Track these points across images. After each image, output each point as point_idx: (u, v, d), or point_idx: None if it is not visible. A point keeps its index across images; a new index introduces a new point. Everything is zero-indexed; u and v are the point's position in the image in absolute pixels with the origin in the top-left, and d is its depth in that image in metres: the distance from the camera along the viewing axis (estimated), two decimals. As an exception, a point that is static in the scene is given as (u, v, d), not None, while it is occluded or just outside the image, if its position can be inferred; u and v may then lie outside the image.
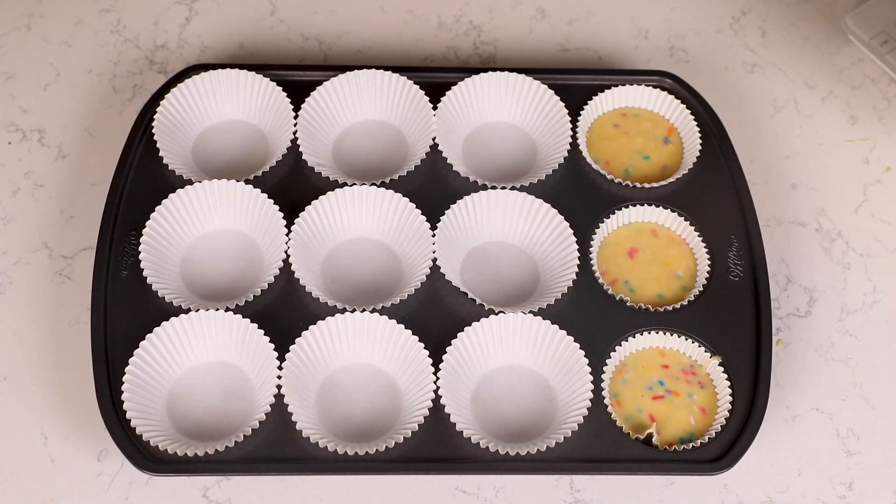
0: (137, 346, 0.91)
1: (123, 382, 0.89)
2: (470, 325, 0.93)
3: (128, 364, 0.90)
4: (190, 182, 0.99)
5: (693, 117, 1.05)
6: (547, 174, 1.01)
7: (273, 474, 0.90)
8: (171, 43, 1.15)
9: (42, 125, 1.09)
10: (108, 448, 0.92)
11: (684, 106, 1.06)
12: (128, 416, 0.88)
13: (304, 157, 1.01)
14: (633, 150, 1.06)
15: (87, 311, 0.95)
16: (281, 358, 0.91)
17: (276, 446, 0.89)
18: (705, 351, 0.95)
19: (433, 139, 1.02)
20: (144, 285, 0.95)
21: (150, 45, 1.14)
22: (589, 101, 1.06)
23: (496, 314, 0.93)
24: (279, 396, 0.90)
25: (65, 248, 1.02)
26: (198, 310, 0.93)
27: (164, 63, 1.13)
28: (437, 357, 0.91)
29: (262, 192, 0.98)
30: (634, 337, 0.95)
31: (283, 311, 0.95)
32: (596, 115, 1.07)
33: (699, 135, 1.04)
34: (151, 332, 0.91)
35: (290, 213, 0.98)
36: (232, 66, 1.06)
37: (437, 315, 0.95)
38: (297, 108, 1.03)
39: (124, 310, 0.94)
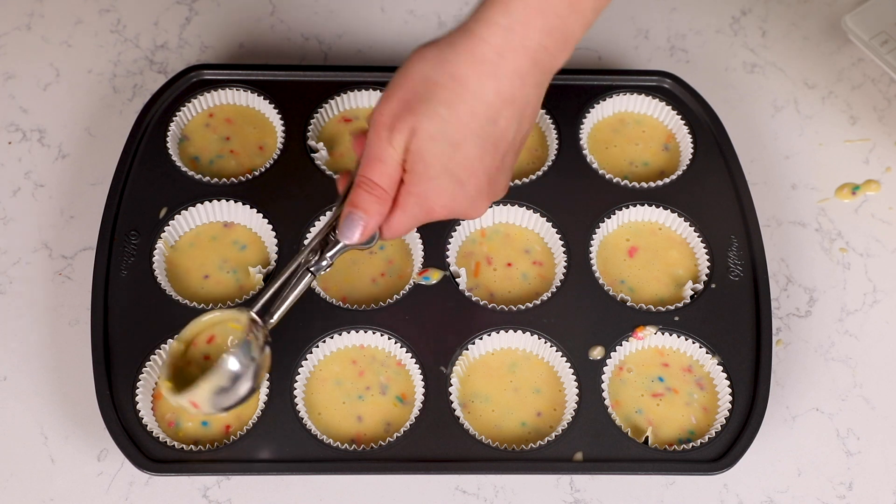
0: (137, 346, 0.92)
1: (140, 379, 0.90)
2: None
3: (142, 364, 0.91)
4: (191, 179, 1.00)
5: (691, 123, 1.05)
6: None
7: (273, 474, 0.90)
8: (171, 43, 1.15)
9: (42, 125, 1.09)
10: (108, 448, 0.92)
11: (682, 114, 1.06)
12: (140, 414, 0.89)
13: None
14: (631, 155, 1.06)
15: (87, 311, 0.95)
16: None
17: (276, 446, 0.89)
18: (707, 352, 0.95)
19: None
20: (144, 285, 0.95)
21: (150, 45, 1.14)
22: (591, 107, 1.06)
23: None
24: (275, 397, 0.90)
25: (65, 248, 1.01)
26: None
27: (164, 63, 1.13)
28: None
29: (261, 191, 0.98)
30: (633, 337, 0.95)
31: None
32: (596, 119, 1.07)
33: (695, 142, 1.05)
34: (166, 331, 0.92)
35: (290, 212, 0.98)
36: (232, 66, 1.06)
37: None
38: (298, 108, 1.04)
39: (124, 310, 0.94)
